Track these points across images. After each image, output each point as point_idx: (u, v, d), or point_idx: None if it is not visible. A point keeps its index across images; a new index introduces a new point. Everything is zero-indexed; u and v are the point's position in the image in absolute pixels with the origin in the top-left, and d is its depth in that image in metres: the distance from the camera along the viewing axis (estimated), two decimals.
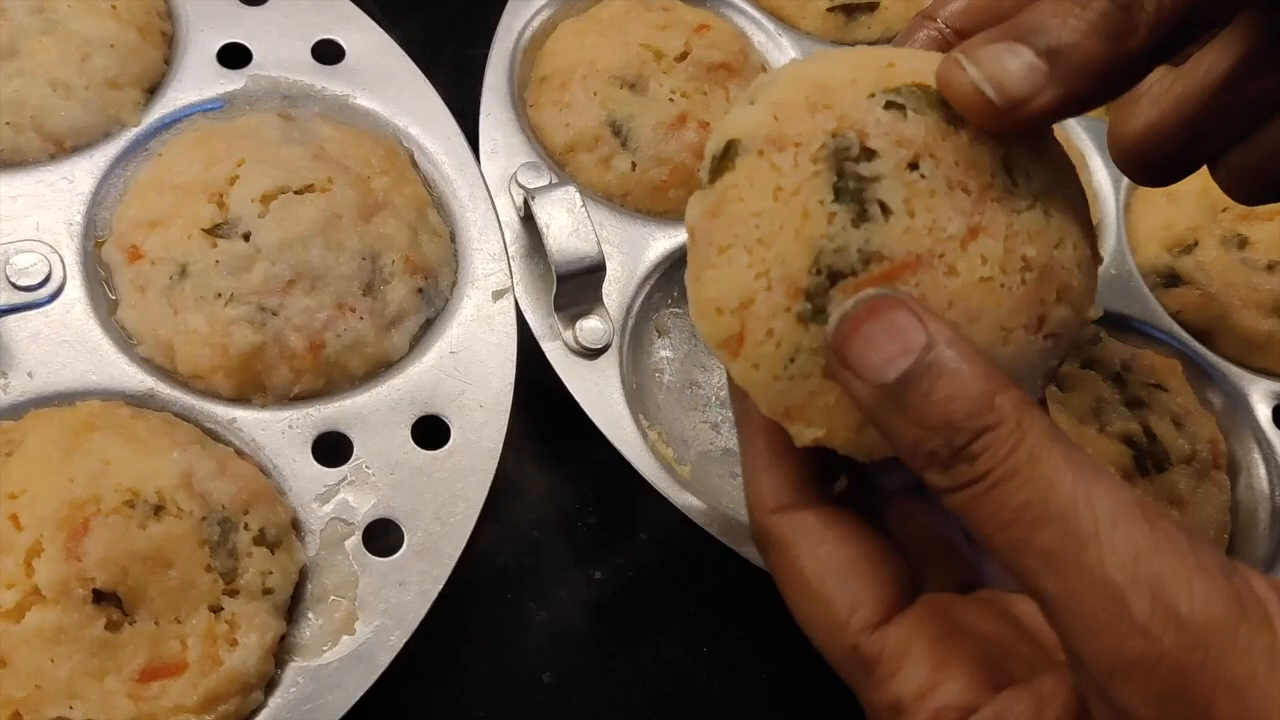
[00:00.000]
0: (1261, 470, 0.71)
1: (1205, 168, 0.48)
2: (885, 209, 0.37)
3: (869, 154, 0.37)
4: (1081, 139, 0.79)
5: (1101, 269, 0.74)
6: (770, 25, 0.79)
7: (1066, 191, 0.40)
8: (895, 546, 0.42)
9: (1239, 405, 0.73)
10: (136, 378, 0.57)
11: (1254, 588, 0.31)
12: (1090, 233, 0.41)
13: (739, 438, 0.44)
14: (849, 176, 0.37)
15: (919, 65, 0.40)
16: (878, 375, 0.34)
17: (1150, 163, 0.47)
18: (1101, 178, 0.78)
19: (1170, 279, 0.75)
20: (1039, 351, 0.38)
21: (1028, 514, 0.32)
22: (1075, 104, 0.37)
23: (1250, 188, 0.47)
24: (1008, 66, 0.36)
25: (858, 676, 0.39)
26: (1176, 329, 0.74)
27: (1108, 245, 0.76)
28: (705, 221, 0.39)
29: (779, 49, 0.78)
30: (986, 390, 0.33)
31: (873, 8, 0.79)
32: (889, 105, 0.38)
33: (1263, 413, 0.73)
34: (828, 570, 0.39)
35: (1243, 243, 0.75)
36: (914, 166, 0.37)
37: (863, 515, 0.42)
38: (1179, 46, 0.38)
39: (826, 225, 0.37)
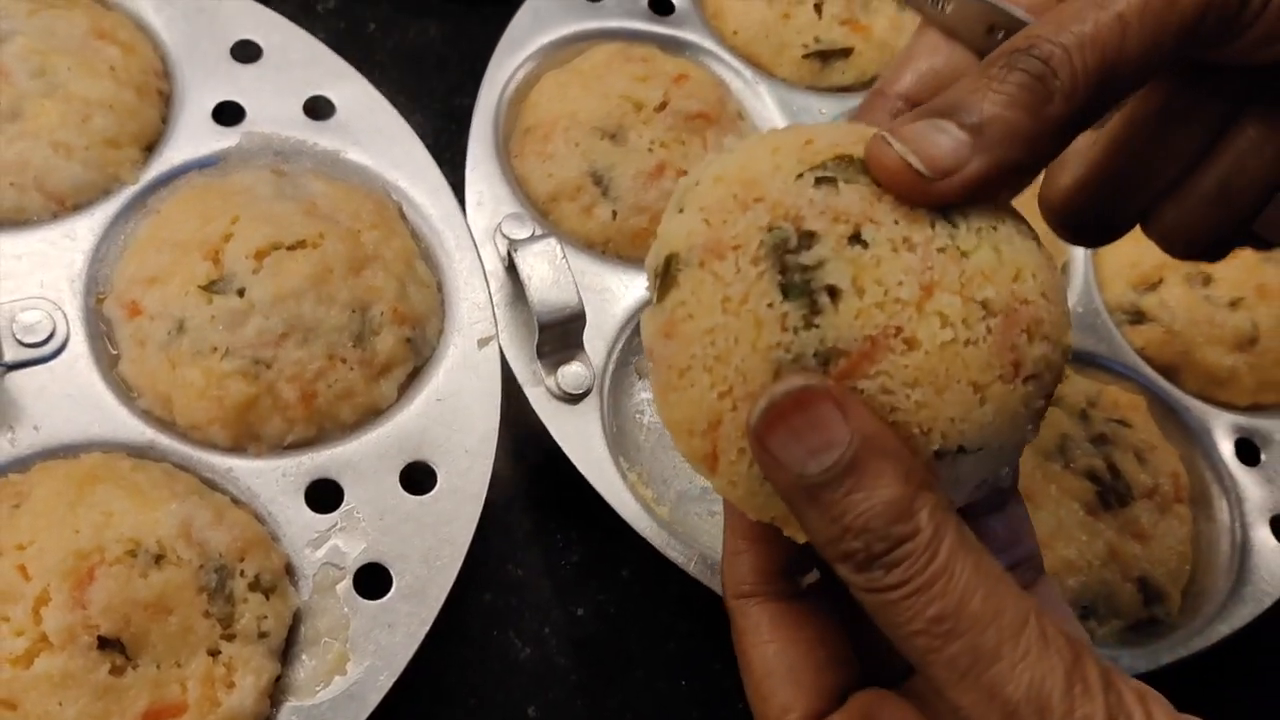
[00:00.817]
0: (1223, 503, 0.73)
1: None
2: (835, 293, 0.36)
3: (808, 238, 0.37)
4: None
5: (1069, 306, 0.77)
6: (748, 73, 0.81)
7: (1008, 222, 0.39)
8: (847, 639, 0.43)
9: (1202, 439, 0.75)
10: (137, 429, 0.59)
11: (1124, 701, 0.34)
12: (1046, 255, 0.40)
13: (724, 515, 0.45)
14: (793, 270, 0.36)
15: (837, 137, 0.39)
16: (798, 468, 0.35)
17: (1080, 221, 0.48)
18: None
19: (1135, 316, 0.78)
20: (1021, 398, 0.37)
21: (939, 627, 0.33)
22: (1002, 173, 0.37)
23: (1181, 241, 0.47)
24: (934, 140, 0.37)
25: None
26: (1141, 365, 0.76)
27: (1075, 284, 0.78)
28: (660, 343, 0.38)
29: (756, 96, 0.81)
30: (904, 495, 0.34)
31: (847, 54, 0.82)
32: (819, 181, 0.38)
33: (1225, 447, 0.75)
34: (769, 669, 0.41)
35: (1206, 280, 0.78)
36: (855, 239, 0.37)
37: (829, 605, 0.43)
38: (1100, 111, 0.39)
39: (780, 333, 0.36)
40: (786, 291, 0.36)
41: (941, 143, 0.37)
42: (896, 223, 0.37)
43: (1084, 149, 0.47)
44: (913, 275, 0.36)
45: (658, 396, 0.39)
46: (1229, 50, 0.40)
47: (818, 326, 0.36)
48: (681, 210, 0.39)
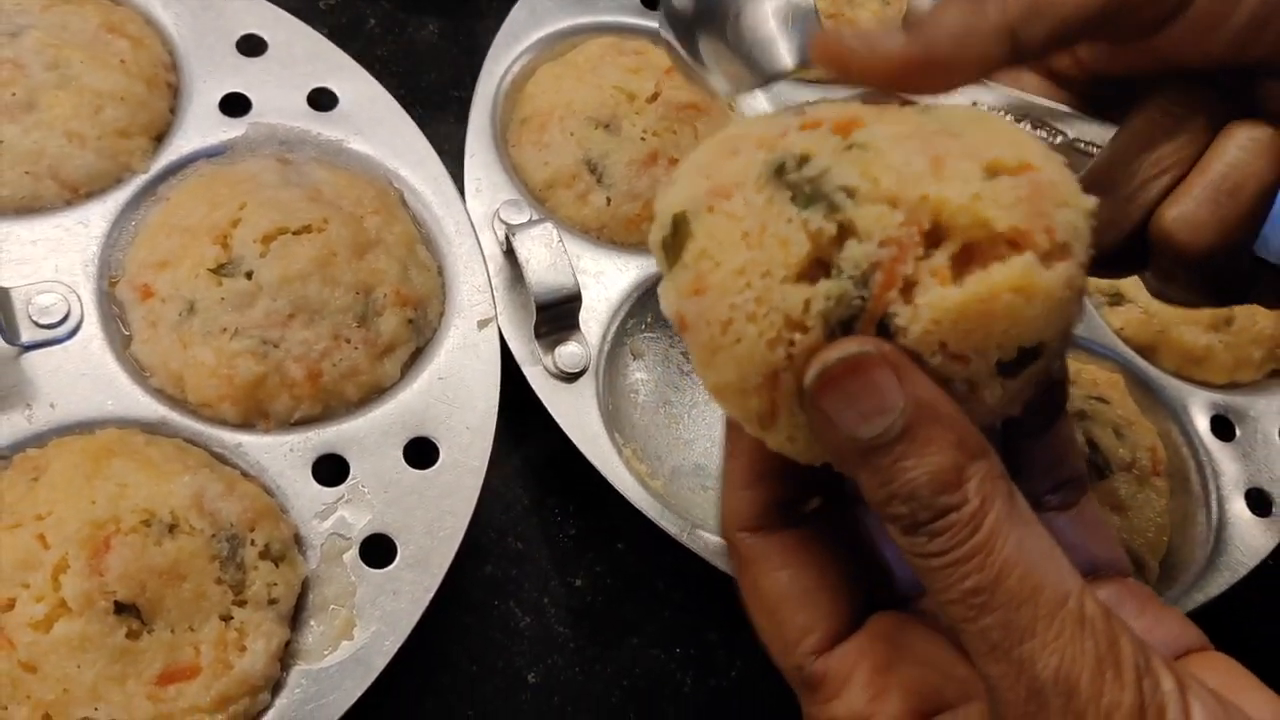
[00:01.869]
0: (1199, 477, 0.75)
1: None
2: (850, 191, 0.34)
3: (805, 158, 0.35)
4: None
5: None
6: None
7: (989, 115, 0.41)
8: (860, 559, 0.43)
9: (1179, 416, 0.77)
10: (150, 407, 0.61)
11: (1161, 687, 0.33)
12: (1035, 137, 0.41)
13: (725, 451, 0.43)
14: (800, 184, 0.35)
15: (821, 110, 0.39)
16: (851, 430, 0.34)
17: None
18: None
19: (1114, 298, 0.80)
20: (1064, 278, 0.34)
21: (974, 599, 0.33)
22: (935, 60, 0.42)
23: (1186, 245, 0.45)
24: (879, 34, 0.42)
25: (804, 693, 0.40)
26: (1120, 345, 0.79)
27: None
28: (691, 304, 0.36)
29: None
30: (955, 465, 0.34)
31: None
32: (801, 112, 0.38)
33: (1201, 423, 0.77)
34: (784, 595, 0.40)
35: None
36: (850, 146, 0.35)
37: (832, 533, 0.42)
38: (1041, 40, 0.43)
39: (806, 242, 0.34)
40: (801, 201, 0.35)
41: (881, 35, 0.42)
42: (883, 119, 0.36)
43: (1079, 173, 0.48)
44: (919, 154, 0.34)
45: (700, 362, 0.37)
46: (1174, 38, 0.43)
47: (846, 250, 0.34)
48: (674, 184, 0.38)
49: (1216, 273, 0.46)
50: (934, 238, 0.34)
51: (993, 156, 0.35)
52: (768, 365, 0.35)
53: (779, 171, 0.35)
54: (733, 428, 0.42)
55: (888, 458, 0.34)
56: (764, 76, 0.55)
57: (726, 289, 0.35)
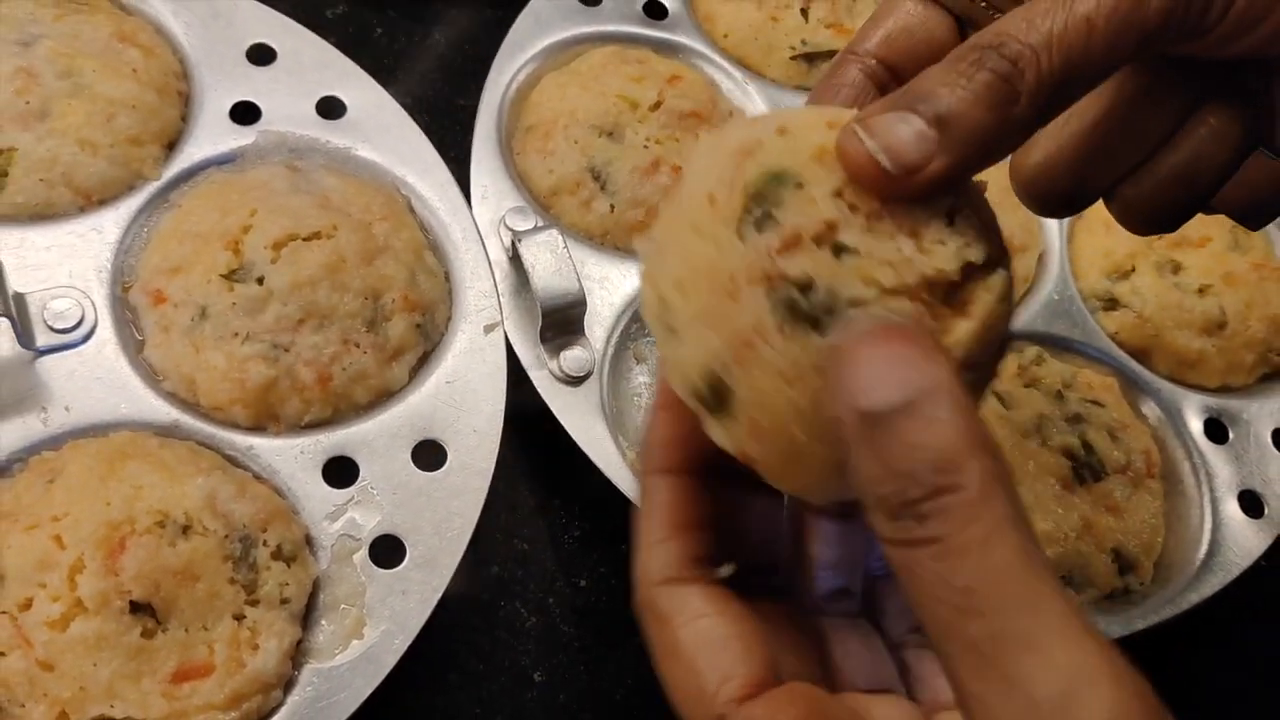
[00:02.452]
0: (1193, 479, 0.76)
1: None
2: (858, 303, 0.35)
3: (808, 286, 0.36)
4: None
5: (1045, 294, 0.81)
6: (737, 74, 0.85)
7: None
8: (785, 634, 0.41)
9: (1173, 419, 0.79)
10: (163, 410, 0.62)
11: None
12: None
13: (641, 509, 0.42)
14: (815, 312, 0.35)
15: (781, 146, 0.38)
16: (864, 399, 0.32)
17: (1048, 195, 0.49)
18: None
19: (1109, 303, 0.81)
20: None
21: (967, 600, 0.30)
22: (964, 169, 0.38)
23: (1140, 217, 0.49)
24: (900, 134, 0.37)
25: None
26: (1114, 349, 0.80)
27: (1051, 273, 0.82)
28: (753, 444, 0.37)
29: (746, 95, 0.84)
30: (961, 449, 0.31)
31: (832, 55, 0.85)
32: (761, 223, 0.37)
33: (1195, 426, 0.78)
34: (703, 642, 0.38)
35: (1176, 268, 0.81)
36: (839, 252, 0.36)
37: (749, 600, 0.40)
38: (1060, 108, 0.40)
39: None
40: (824, 330, 0.35)
41: (907, 137, 0.37)
42: (854, 216, 0.37)
43: (1054, 128, 0.48)
44: (900, 233, 0.36)
45: (773, 478, 0.38)
46: (1191, 48, 0.42)
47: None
48: (674, 330, 0.38)
49: (1165, 231, 0.49)
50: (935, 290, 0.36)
51: (947, 205, 0.37)
52: (837, 462, 0.35)
53: (792, 309, 0.35)
54: (649, 490, 0.41)
55: (891, 431, 0.31)
56: None
57: (782, 427, 0.36)
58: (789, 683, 0.38)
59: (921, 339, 0.33)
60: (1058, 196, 0.50)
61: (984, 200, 0.39)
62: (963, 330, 0.36)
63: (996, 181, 0.41)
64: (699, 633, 0.38)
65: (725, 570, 0.41)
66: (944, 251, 0.36)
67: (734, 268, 0.36)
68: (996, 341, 0.37)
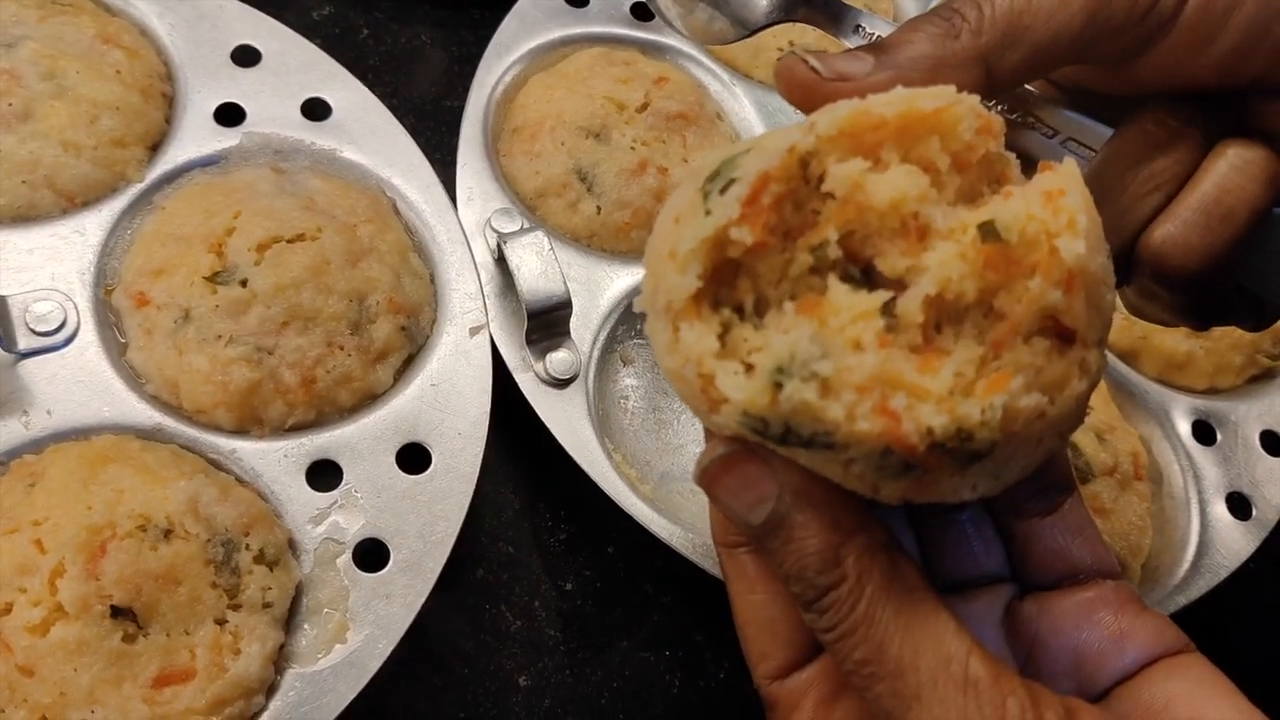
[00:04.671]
0: (1181, 481, 0.76)
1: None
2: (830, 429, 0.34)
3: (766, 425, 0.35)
4: None
5: None
6: (725, 75, 0.84)
7: None
8: None
9: (1161, 421, 0.79)
10: (145, 414, 0.62)
11: None
12: None
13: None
14: (798, 439, 0.35)
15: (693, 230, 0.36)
16: (743, 518, 0.37)
17: None
18: None
19: None
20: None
21: (865, 669, 0.36)
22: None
23: (1178, 273, 0.45)
24: (844, 58, 0.40)
25: (766, 711, 0.43)
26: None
27: None
28: None
29: (734, 97, 0.84)
30: (832, 543, 0.36)
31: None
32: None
33: (1183, 427, 0.78)
34: (751, 618, 0.43)
35: None
36: (791, 411, 0.34)
37: None
38: (1016, 70, 0.41)
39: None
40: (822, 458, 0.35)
41: (848, 59, 0.40)
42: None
43: None
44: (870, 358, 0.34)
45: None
46: (1158, 63, 0.42)
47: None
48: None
49: (1200, 294, 0.45)
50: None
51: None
52: (901, 498, 0.36)
53: (759, 432, 0.35)
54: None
55: (777, 540, 0.37)
56: (744, 28, 0.54)
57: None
58: (821, 657, 0.42)
59: (767, 455, 0.36)
60: None
61: None
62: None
63: None
64: (750, 607, 0.43)
65: None
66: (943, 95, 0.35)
67: (693, 359, 0.35)
68: (1102, 236, 0.35)
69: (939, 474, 0.35)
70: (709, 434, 0.41)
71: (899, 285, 0.34)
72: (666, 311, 0.36)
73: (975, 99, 0.36)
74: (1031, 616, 0.42)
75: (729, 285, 0.36)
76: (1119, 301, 0.45)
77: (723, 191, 0.35)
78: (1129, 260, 0.46)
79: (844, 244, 0.35)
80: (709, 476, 0.38)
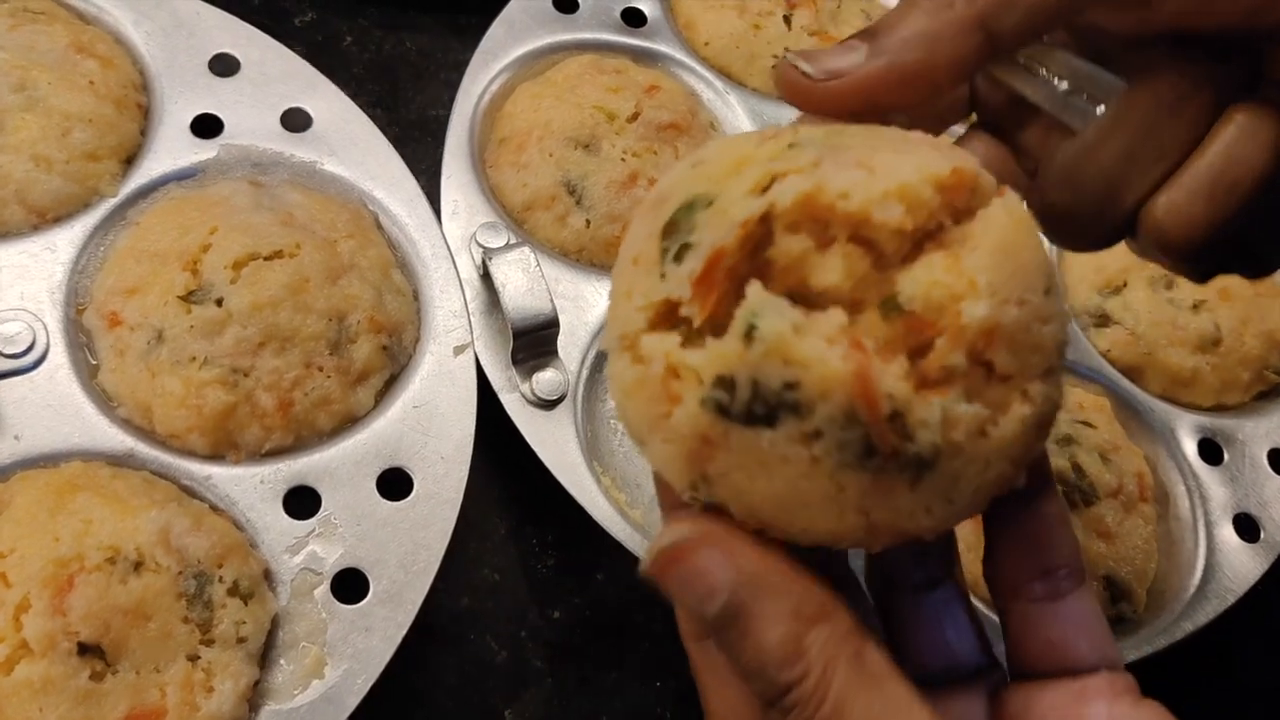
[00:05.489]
0: (1187, 502, 0.75)
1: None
2: (793, 384, 0.33)
3: (731, 384, 0.34)
4: None
5: None
6: (719, 83, 0.82)
7: None
8: None
9: (1166, 439, 0.77)
10: (117, 438, 0.60)
11: None
12: None
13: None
14: (752, 410, 0.33)
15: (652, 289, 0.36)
16: (696, 610, 0.34)
17: (1073, 207, 0.44)
18: None
19: (1100, 319, 0.79)
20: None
21: None
22: (897, 76, 0.37)
23: (1181, 240, 0.43)
24: (835, 54, 0.38)
25: None
26: (1106, 367, 0.78)
27: None
28: (762, 529, 0.35)
29: (728, 106, 0.82)
30: (793, 634, 0.33)
31: None
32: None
33: (1189, 447, 0.77)
34: (728, 711, 0.39)
35: (1170, 283, 0.79)
36: (749, 338, 0.33)
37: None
38: (1013, 32, 0.39)
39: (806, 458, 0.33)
40: (768, 423, 0.33)
41: (839, 53, 0.38)
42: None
43: (1070, 148, 0.44)
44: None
45: (787, 537, 0.36)
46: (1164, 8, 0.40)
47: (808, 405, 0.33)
48: (642, 442, 0.36)
49: (1199, 260, 0.44)
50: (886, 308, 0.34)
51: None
52: (859, 526, 0.35)
53: (722, 411, 0.33)
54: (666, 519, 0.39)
55: (733, 633, 0.34)
56: None
57: (781, 516, 0.35)
58: None
59: (720, 538, 0.34)
60: (1086, 207, 0.44)
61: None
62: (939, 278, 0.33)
63: None
64: (726, 701, 0.39)
65: None
66: (900, 169, 0.34)
67: (659, 354, 0.34)
68: (1030, 279, 0.34)
69: (894, 482, 0.33)
70: (665, 516, 0.38)
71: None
72: (622, 340, 0.35)
73: (940, 174, 0.34)
74: (1019, 710, 0.40)
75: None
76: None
77: (677, 259, 0.34)
78: (1131, 225, 0.44)
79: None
80: (658, 566, 0.35)
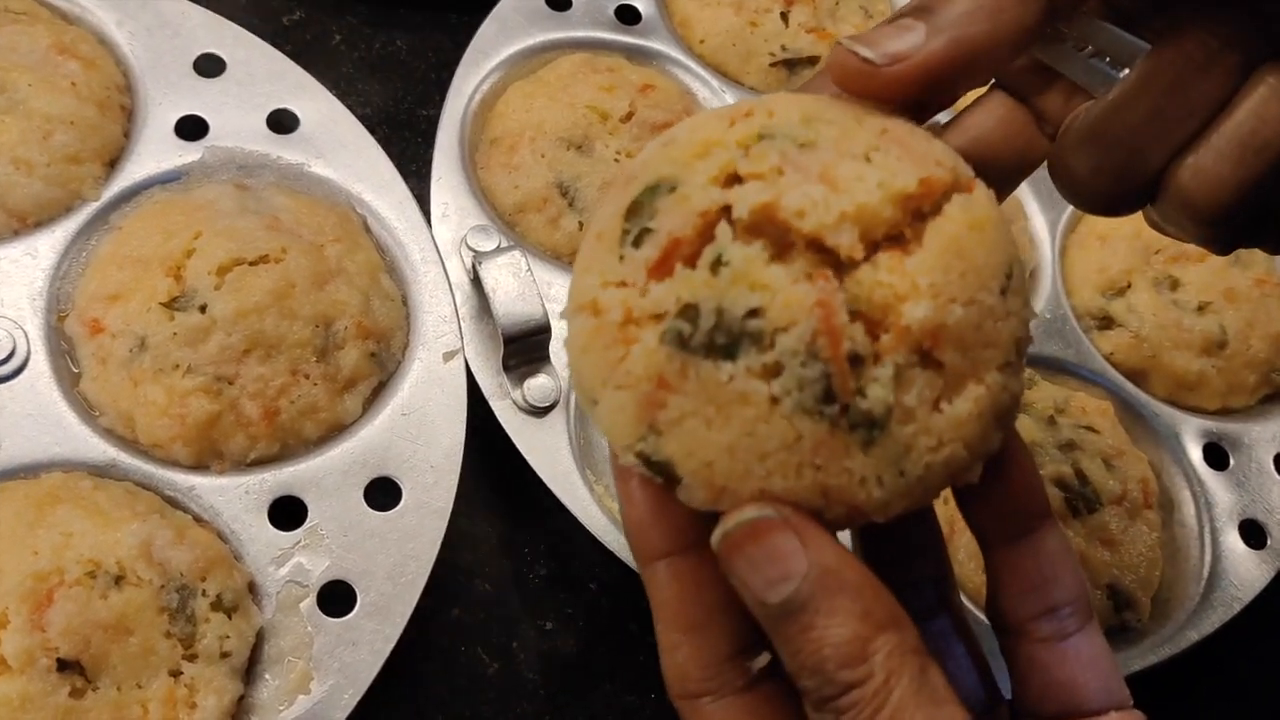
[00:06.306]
0: (1192, 508, 0.73)
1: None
2: (757, 312, 0.33)
3: (693, 312, 0.34)
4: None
5: (1037, 312, 0.77)
6: (715, 81, 0.81)
7: None
8: None
9: (1171, 444, 0.75)
10: (99, 448, 0.59)
11: None
12: None
13: (652, 603, 0.38)
14: (712, 341, 0.33)
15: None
16: (759, 596, 0.33)
17: (1096, 170, 0.42)
18: (1039, 224, 0.81)
19: (1104, 321, 0.78)
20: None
21: None
22: (961, 53, 0.36)
23: (1208, 206, 0.41)
24: (891, 34, 0.36)
25: None
26: (1110, 370, 0.77)
27: (1043, 290, 0.78)
28: (719, 498, 0.35)
29: (723, 104, 0.81)
30: (861, 636, 0.32)
31: (813, 61, 0.82)
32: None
33: (1194, 452, 0.75)
34: None
35: (1174, 284, 0.78)
36: (716, 266, 0.34)
37: (787, 687, 0.37)
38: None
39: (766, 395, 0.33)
40: (728, 355, 0.33)
41: (896, 34, 0.36)
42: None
43: (1095, 108, 0.42)
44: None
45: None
46: None
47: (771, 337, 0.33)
48: (595, 401, 0.36)
49: (1225, 225, 0.42)
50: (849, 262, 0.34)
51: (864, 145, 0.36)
52: (813, 487, 0.34)
53: (682, 343, 0.33)
54: (644, 576, 0.38)
55: (794, 626, 0.33)
56: None
57: (735, 471, 0.34)
58: None
59: (801, 526, 0.33)
60: (1109, 170, 0.42)
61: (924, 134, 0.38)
62: (906, 282, 0.34)
63: None
64: None
65: (760, 662, 0.38)
66: (861, 185, 0.34)
67: (617, 303, 0.34)
68: (987, 274, 0.35)
69: (847, 442, 0.33)
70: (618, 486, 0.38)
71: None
72: (581, 305, 0.36)
73: (907, 186, 0.35)
74: None
75: None
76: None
77: (636, 243, 0.34)
78: (1153, 191, 0.42)
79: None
80: (731, 542, 0.34)
